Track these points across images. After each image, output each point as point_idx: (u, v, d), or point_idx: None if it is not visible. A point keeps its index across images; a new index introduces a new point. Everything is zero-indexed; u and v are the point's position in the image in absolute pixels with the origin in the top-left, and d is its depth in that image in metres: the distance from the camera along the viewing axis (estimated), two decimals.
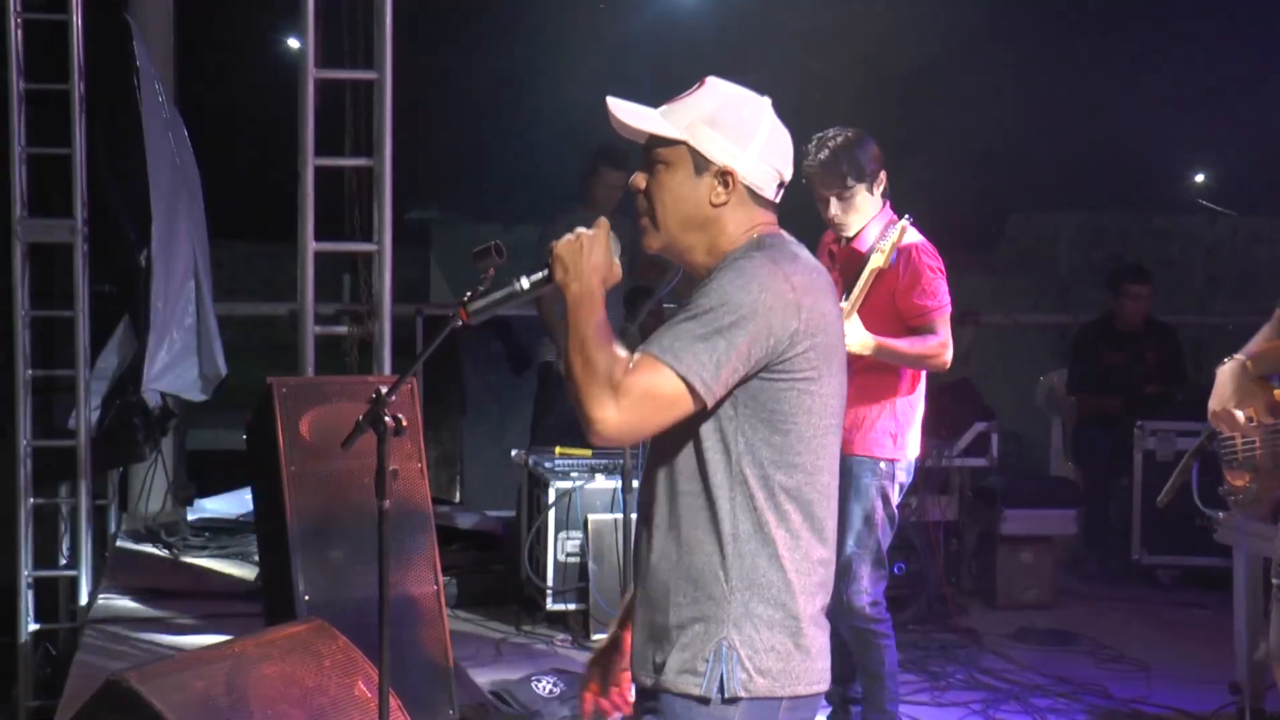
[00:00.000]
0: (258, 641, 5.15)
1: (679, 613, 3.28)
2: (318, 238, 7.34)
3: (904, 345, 5.73)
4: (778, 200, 3.43)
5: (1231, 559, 6.96)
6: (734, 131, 3.34)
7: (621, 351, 3.22)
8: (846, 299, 5.76)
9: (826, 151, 5.88)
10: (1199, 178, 22.03)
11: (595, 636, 7.65)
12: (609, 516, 7.70)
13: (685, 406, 3.19)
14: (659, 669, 3.29)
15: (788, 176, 3.45)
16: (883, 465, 5.83)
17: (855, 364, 5.84)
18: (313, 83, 7.32)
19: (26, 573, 7.79)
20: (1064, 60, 15.51)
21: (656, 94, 3.51)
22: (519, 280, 3.39)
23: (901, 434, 5.86)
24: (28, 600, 7.83)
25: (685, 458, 3.29)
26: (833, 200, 5.90)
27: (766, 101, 3.43)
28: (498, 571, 8.73)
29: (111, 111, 7.98)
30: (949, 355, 5.79)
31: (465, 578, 8.44)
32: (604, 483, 7.87)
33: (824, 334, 3.28)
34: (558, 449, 8.47)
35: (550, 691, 6.49)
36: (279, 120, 8.26)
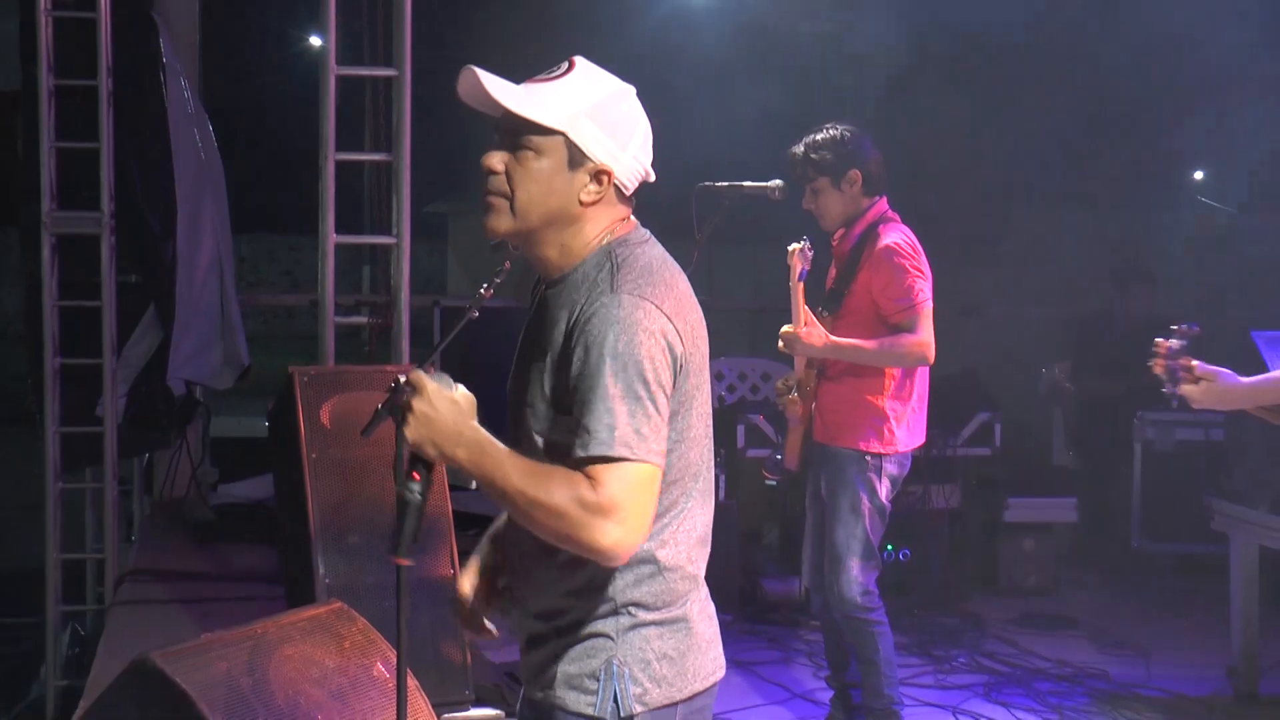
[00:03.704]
0: (279, 623, 5.16)
1: (563, 619, 3.14)
2: (338, 231, 7.35)
3: (868, 344, 5.72)
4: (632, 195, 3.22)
5: (1228, 547, 6.96)
6: (615, 129, 3.11)
7: (553, 466, 2.97)
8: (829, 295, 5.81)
9: (802, 146, 5.93)
10: (1198, 174, 22.00)
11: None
12: None
13: (656, 479, 2.98)
14: (549, 684, 3.15)
15: (652, 177, 3.22)
16: (869, 458, 5.84)
17: (835, 364, 5.87)
18: (333, 79, 7.32)
19: (55, 555, 7.80)
20: (1067, 57, 15.48)
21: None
22: (408, 494, 3.10)
23: (891, 428, 5.86)
24: (56, 582, 7.84)
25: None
26: (807, 191, 5.96)
27: (633, 90, 3.19)
28: None
29: (138, 107, 7.98)
30: (928, 352, 5.79)
31: None
32: None
33: (696, 346, 3.13)
34: None
35: None
36: (300, 116, 8.28)
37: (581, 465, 2.94)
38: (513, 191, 3.11)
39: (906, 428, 5.94)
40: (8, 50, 8.14)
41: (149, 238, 8.00)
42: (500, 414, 10.93)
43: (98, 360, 7.70)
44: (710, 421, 3.20)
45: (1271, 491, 6.58)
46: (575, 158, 3.09)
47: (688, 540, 3.15)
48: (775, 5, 13.35)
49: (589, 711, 3.08)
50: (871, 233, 5.88)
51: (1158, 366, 4.79)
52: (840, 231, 6.07)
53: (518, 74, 3.18)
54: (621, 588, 3.09)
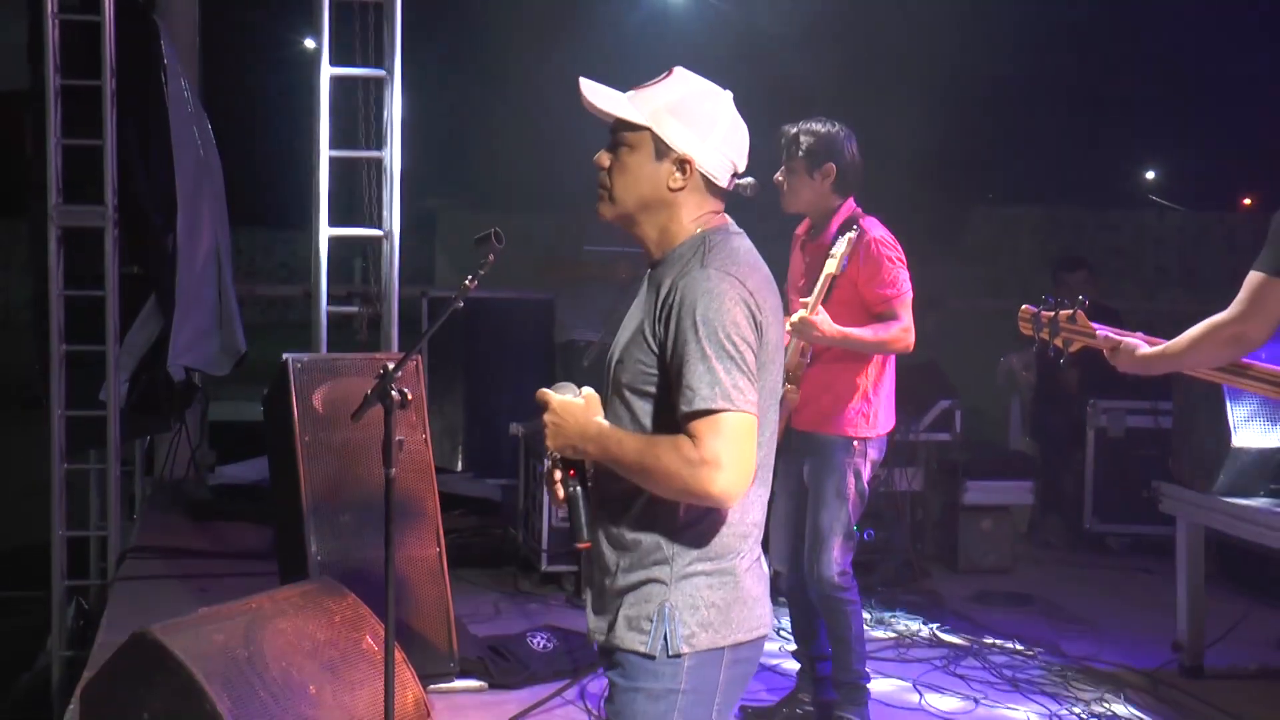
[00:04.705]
0: (273, 598, 5.17)
1: (626, 577, 3.32)
2: (331, 224, 7.35)
3: (867, 334, 5.73)
4: (730, 189, 3.43)
5: (1175, 528, 6.98)
6: (695, 122, 3.33)
7: (659, 436, 3.22)
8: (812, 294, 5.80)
9: (796, 127, 5.92)
10: (1150, 175, 22.05)
11: (587, 595, 7.67)
12: None
13: (754, 427, 3.21)
14: (611, 626, 3.33)
15: (742, 168, 3.44)
16: (855, 444, 5.84)
17: (827, 351, 5.87)
18: (327, 80, 7.32)
19: (60, 532, 7.80)
20: (1028, 61, 15.51)
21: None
22: (571, 490, 3.35)
23: (873, 413, 5.87)
24: (61, 558, 7.84)
25: (637, 431, 3.31)
26: (784, 167, 5.94)
27: (728, 95, 3.41)
28: (496, 535, 8.74)
29: (140, 106, 7.97)
30: (912, 339, 5.80)
31: (466, 541, 8.44)
32: None
33: (771, 325, 3.31)
34: None
35: (544, 646, 6.51)
36: (296, 115, 8.26)
37: (686, 421, 3.17)
38: (612, 183, 3.39)
39: (885, 412, 5.95)
40: (16, 52, 8.12)
41: (150, 231, 7.99)
42: (497, 391, 10.81)
43: (101, 347, 7.70)
44: (775, 401, 3.38)
45: (1216, 476, 6.61)
46: (660, 149, 3.34)
47: (742, 500, 3.28)
48: (748, 7, 13.38)
49: (641, 649, 3.28)
50: (850, 227, 5.87)
51: (1023, 328, 5.11)
52: (807, 224, 6.07)
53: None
54: (679, 539, 3.28)
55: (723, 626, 3.29)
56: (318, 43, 7.44)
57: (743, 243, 3.38)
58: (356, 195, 7.84)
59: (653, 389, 3.28)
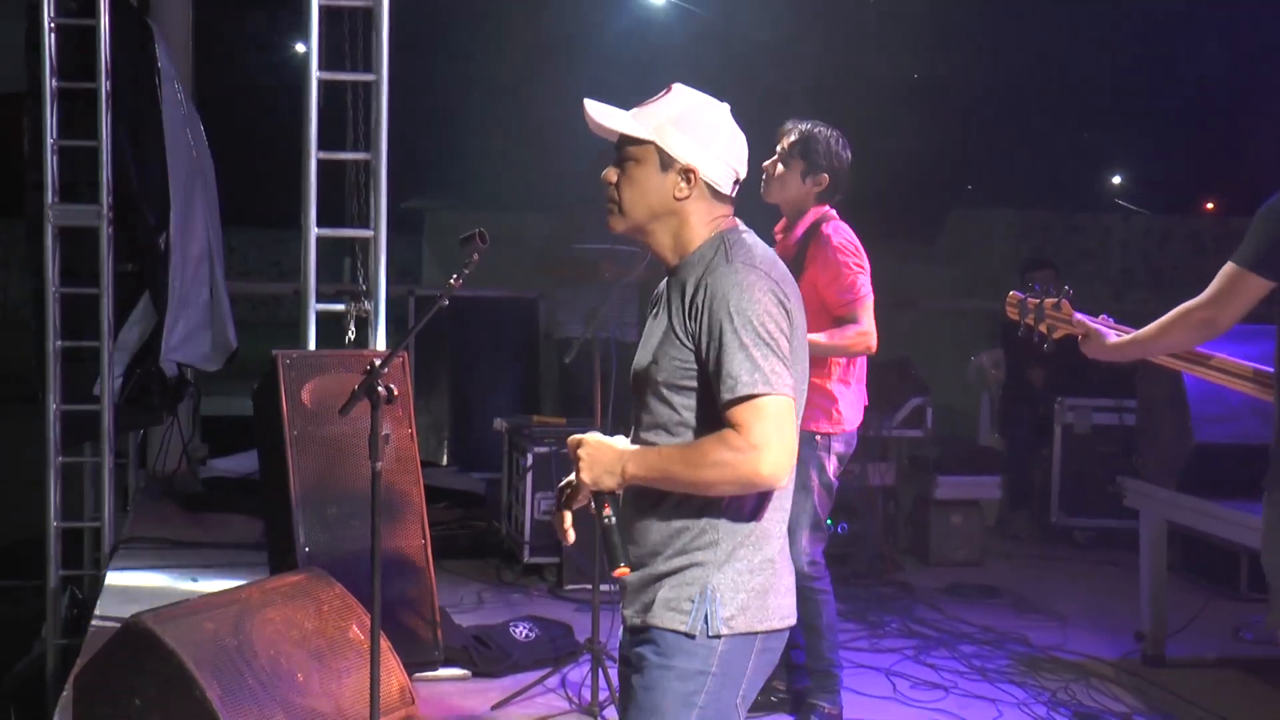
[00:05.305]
0: (262, 588, 5.17)
1: (668, 562, 3.33)
2: (320, 224, 7.34)
3: (822, 339, 5.73)
4: (734, 195, 3.46)
5: (1139, 522, 7.01)
6: (697, 133, 3.38)
7: (698, 438, 3.26)
8: None
9: (808, 124, 5.91)
10: (1116, 179, 22.10)
11: (568, 586, 7.68)
12: None
13: (794, 410, 3.26)
14: (648, 607, 3.34)
15: (743, 174, 3.48)
16: (818, 438, 5.84)
17: None
18: (316, 83, 7.31)
19: (55, 523, 7.79)
20: (1002, 71, 15.54)
21: (628, 95, 3.53)
22: (606, 522, 3.35)
23: (838, 409, 5.87)
24: (56, 549, 7.83)
25: (682, 428, 3.34)
26: (777, 158, 5.93)
27: (726, 107, 3.46)
28: (480, 528, 8.74)
29: (135, 108, 7.97)
30: (871, 341, 5.79)
31: (450, 533, 8.45)
32: None
33: (798, 315, 3.36)
34: (535, 417, 8.49)
35: (526, 636, 6.51)
36: (285, 117, 8.25)
37: (728, 409, 3.20)
38: (620, 196, 3.42)
39: (851, 408, 5.95)
40: (14, 54, 8.11)
41: (144, 230, 7.98)
42: (481, 387, 10.77)
43: (96, 343, 7.69)
44: (804, 388, 3.41)
45: (1178, 471, 6.63)
46: (665, 160, 3.38)
47: (778, 490, 3.34)
48: (730, 16, 13.37)
49: (681, 628, 3.29)
50: (815, 231, 5.87)
51: (1010, 312, 5.15)
52: (783, 223, 6.07)
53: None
54: (723, 525, 3.31)
55: (759, 612, 3.32)
56: (307, 47, 7.43)
57: (758, 241, 3.43)
58: (346, 195, 7.83)
59: (693, 383, 3.31)
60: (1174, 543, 7.38)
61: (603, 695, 5.78)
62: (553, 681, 6.09)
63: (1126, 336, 4.83)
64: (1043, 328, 5.07)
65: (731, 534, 3.31)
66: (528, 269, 11.07)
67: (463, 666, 6.29)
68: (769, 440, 3.18)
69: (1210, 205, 21.84)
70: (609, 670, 5.72)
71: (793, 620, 3.42)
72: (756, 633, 3.33)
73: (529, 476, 7.85)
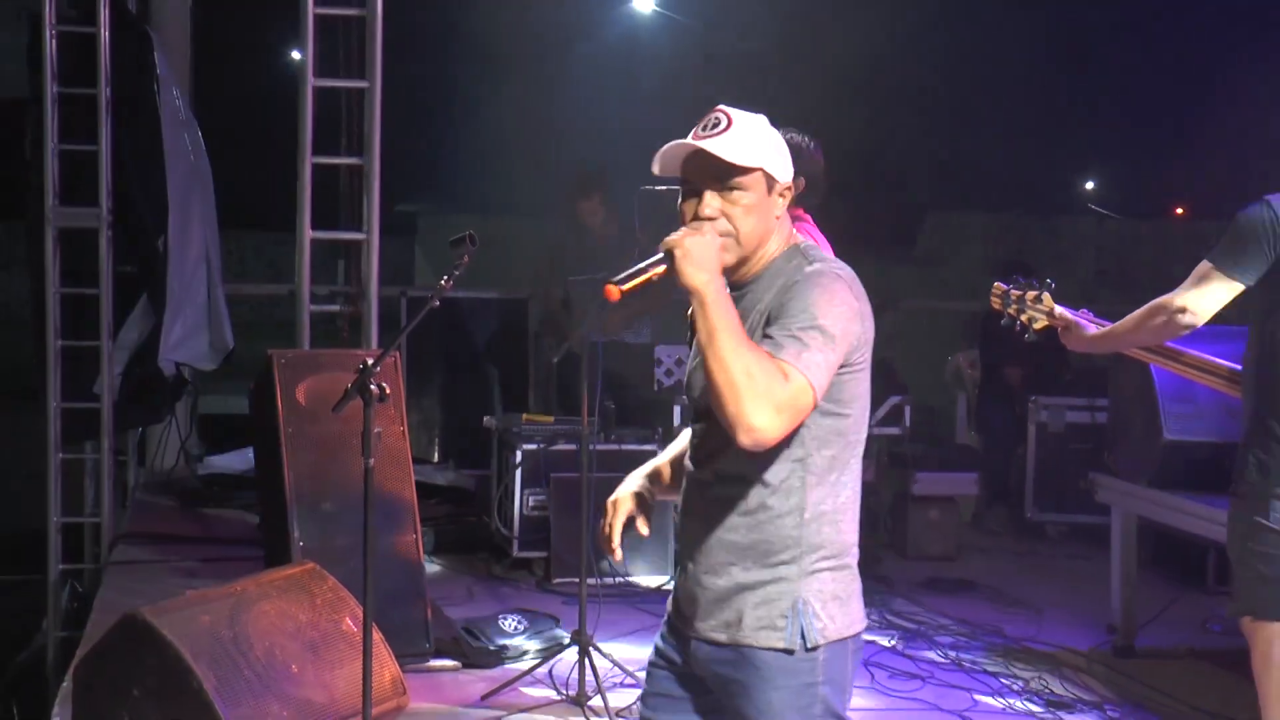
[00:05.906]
0: (257, 582, 5.16)
1: (746, 575, 3.27)
2: (314, 227, 7.34)
3: None
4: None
5: (1110, 517, 7.03)
6: (783, 151, 3.35)
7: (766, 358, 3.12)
8: None
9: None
10: (1089, 185, 22.16)
11: (555, 580, 7.67)
12: (570, 475, 7.70)
13: (811, 409, 3.16)
14: (733, 625, 3.28)
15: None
16: None
17: None
18: (311, 90, 7.32)
19: (56, 519, 7.78)
20: (980, 77, 15.57)
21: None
22: (655, 255, 3.22)
23: None
24: (56, 543, 7.82)
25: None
26: None
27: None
28: (470, 523, 8.73)
29: (134, 113, 7.96)
30: None
31: (441, 528, 8.44)
32: (565, 446, 7.89)
33: (871, 332, 3.29)
34: (524, 416, 8.49)
35: (515, 628, 6.50)
36: (281, 123, 8.25)
37: (778, 351, 3.12)
38: (735, 226, 3.28)
39: None
40: (16, 61, 8.10)
41: (143, 232, 7.98)
42: (472, 386, 10.72)
43: (96, 343, 7.69)
44: (868, 401, 3.36)
45: (1148, 468, 6.65)
46: (770, 184, 3.31)
47: (854, 497, 3.32)
48: (712, 23, 13.40)
49: (780, 645, 3.22)
50: None
51: (994, 302, 5.13)
52: None
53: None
54: (806, 537, 3.25)
55: (845, 618, 3.28)
56: (303, 55, 7.43)
57: (827, 252, 3.38)
58: (340, 199, 7.84)
59: None
60: (1145, 537, 7.40)
61: (589, 685, 5.79)
62: (541, 672, 6.09)
63: (1104, 329, 4.86)
64: (1025, 319, 5.09)
65: (813, 547, 3.25)
66: (517, 271, 11.06)
67: (453, 658, 6.29)
68: (786, 407, 3.06)
69: (1180, 210, 21.91)
70: (593, 661, 5.74)
71: (866, 623, 3.39)
72: (847, 637, 3.29)
73: (518, 473, 7.85)
